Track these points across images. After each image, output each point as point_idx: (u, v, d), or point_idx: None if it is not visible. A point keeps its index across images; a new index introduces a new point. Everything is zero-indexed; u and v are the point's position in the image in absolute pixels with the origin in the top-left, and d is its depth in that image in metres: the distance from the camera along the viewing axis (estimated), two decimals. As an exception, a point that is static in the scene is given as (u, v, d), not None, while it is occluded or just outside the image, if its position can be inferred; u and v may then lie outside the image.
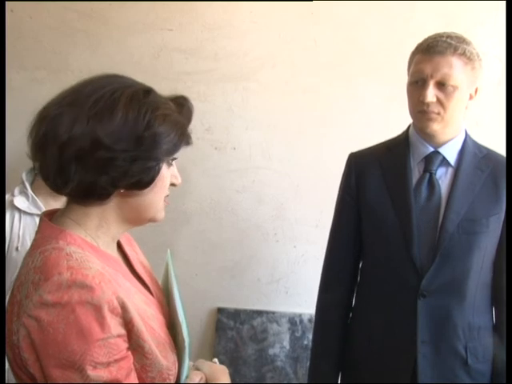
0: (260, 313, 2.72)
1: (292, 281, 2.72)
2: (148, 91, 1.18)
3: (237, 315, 2.72)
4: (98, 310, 1.06)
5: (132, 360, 1.12)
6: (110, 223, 1.20)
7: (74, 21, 2.69)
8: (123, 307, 1.10)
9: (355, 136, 2.55)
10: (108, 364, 1.06)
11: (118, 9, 2.67)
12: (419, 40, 1.82)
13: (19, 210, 2.24)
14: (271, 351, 2.71)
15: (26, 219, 2.25)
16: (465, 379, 1.82)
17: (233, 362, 2.62)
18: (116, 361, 1.08)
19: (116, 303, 1.09)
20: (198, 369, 1.31)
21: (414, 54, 1.82)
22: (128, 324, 1.11)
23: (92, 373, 1.04)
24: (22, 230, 2.23)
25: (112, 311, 1.08)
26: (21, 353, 1.07)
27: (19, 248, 2.21)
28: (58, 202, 2.26)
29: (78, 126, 1.10)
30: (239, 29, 2.67)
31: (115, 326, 1.08)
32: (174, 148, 1.19)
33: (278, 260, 2.73)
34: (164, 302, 1.33)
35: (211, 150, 2.70)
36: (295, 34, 2.65)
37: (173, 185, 1.25)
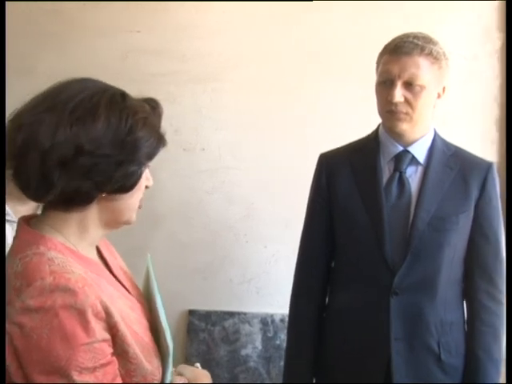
0: (231, 314, 2.72)
1: (263, 281, 2.73)
2: (123, 94, 1.19)
3: (208, 317, 2.71)
4: (81, 314, 1.05)
5: (117, 365, 1.12)
6: (89, 229, 1.19)
7: (41, 23, 2.67)
8: (107, 312, 1.09)
9: (325, 136, 2.57)
10: (94, 369, 1.05)
11: (85, 11, 2.66)
12: (386, 39, 1.84)
13: (-14, 216, 2.20)
14: (243, 352, 2.71)
15: (-7, 225, 2.21)
16: (438, 374, 1.85)
17: (205, 364, 2.54)
18: (102, 366, 1.07)
19: (100, 307, 1.08)
20: (180, 374, 1.31)
21: (381, 54, 1.84)
22: (112, 329, 1.10)
23: (78, 378, 1.03)
24: (-12, 235, 2.19)
25: (96, 315, 1.07)
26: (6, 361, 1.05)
27: (-15, 254, 2.17)
28: (26, 208, 2.23)
29: (60, 132, 1.09)
30: (206, 29, 2.68)
31: (100, 331, 1.07)
32: (154, 151, 1.20)
33: (249, 260, 2.73)
34: (145, 307, 1.32)
35: (180, 152, 2.70)
36: (264, 32, 2.67)
37: (146, 187, 1.25)
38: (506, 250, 1.86)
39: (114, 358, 1.11)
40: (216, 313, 2.72)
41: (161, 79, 2.66)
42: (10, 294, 1.06)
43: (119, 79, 2.74)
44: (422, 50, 1.76)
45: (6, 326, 1.04)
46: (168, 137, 2.88)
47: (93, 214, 1.18)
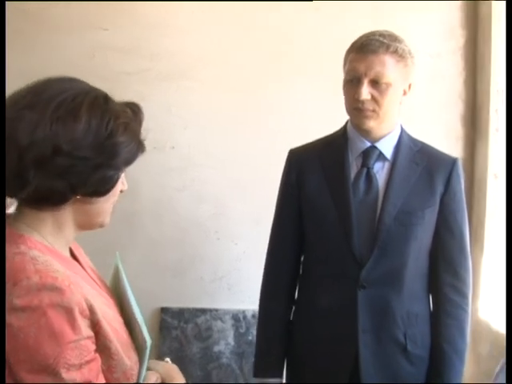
0: (204, 311, 2.73)
1: (234, 278, 2.74)
2: (106, 97, 1.17)
3: (181, 314, 2.72)
4: (69, 312, 1.05)
5: (100, 361, 1.12)
6: (64, 229, 1.19)
7: (8, 21, 2.63)
8: (91, 309, 1.10)
9: (294, 132, 2.58)
10: (80, 366, 1.06)
11: (52, 9, 2.63)
12: (352, 38, 1.86)
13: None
14: (216, 348, 2.72)
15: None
16: (405, 365, 1.88)
17: (178, 362, 2.51)
18: (87, 362, 1.07)
19: (85, 305, 1.08)
20: (151, 369, 1.32)
21: (348, 52, 1.86)
22: (95, 326, 1.11)
23: (66, 375, 1.04)
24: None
25: (81, 313, 1.07)
26: None
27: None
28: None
29: (40, 130, 1.08)
30: (174, 27, 2.67)
31: (85, 328, 1.08)
32: (133, 157, 1.20)
33: (220, 258, 2.74)
34: (117, 304, 1.32)
35: (150, 150, 2.66)
36: (231, 31, 2.68)
37: (120, 191, 1.25)
38: (506, 248, 1.88)
39: (97, 355, 1.12)
40: (188, 310, 2.72)
41: (129, 77, 2.65)
42: None
43: (87, 77, 2.72)
44: (388, 48, 1.78)
45: None
46: (137, 135, 2.86)
47: (67, 214, 1.18)
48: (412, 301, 1.89)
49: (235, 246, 2.74)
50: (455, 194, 1.89)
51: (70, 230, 1.20)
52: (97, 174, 1.12)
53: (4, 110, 1.10)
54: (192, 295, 2.74)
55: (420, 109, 2.64)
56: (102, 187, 1.16)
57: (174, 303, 2.74)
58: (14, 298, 1.03)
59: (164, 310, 2.73)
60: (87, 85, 1.20)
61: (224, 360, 2.72)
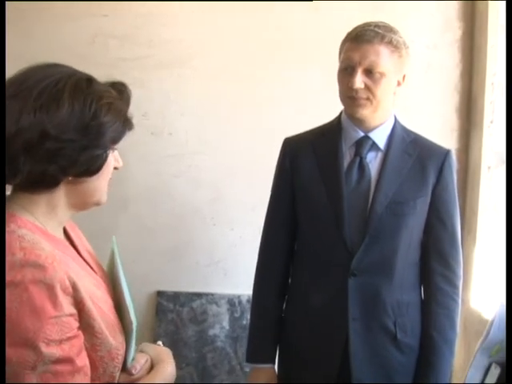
0: (199, 295, 2.76)
1: (230, 263, 2.77)
2: (90, 79, 1.20)
3: (176, 298, 2.75)
4: (50, 288, 1.08)
5: (83, 339, 1.15)
6: (57, 210, 1.22)
7: (7, 8, 2.63)
8: (74, 287, 1.12)
9: (289, 121, 2.59)
10: (60, 341, 1.09)
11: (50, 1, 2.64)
12: (348, 28, 1.87)
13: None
14: (211, 332, 2.76)
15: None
16: (395, 353, 1.90)
17: (174, 344, 2.66)
18: (68, 339, 1.10)
19: (68, 283, 1.11)
20: (142, 351, 1.34)
21: (344, 42, 1.88)
22: (79, 304, 1.14)
23: (45, 350, 1.06)
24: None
25: (64, 290, 1.10)
26: None
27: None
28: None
29: (24, 117, 1.11)
30: (173, 15, 2.68)
31: (67, 305, 1.11)
32: (120, 135, 1.23)
33: (216, 243, 2.77)
34: (110, 286, 1.35)
35: (148, 136, 2.71)
36: (229, 20, 2.69)
37: (115, 168, 1.28)
38: (506, 248, 1.88)
39: (80, 332, 1.15)
40: (184, 294, 2.76)
41: (128, 64, 2.67)
42: None
43: (86, 63, 2.73)
44: (383, 38, 1.79)
45: None
46: (136, 121, 2.89)
47: (61, 196, 1.21)
48: (403, 290, 1.91)
49: (231, 232, 2.77)
50: (447, 185, 1.91)
51: (63, 211, 1.23)
52: (85, 154, 1.16)
53: (4, 110, 1.13)
54: (188, 279, 2.77)
55: (416, 100, 2.65)
56: (92, 166, 1.19)
57: (170, 287, 2.77)
58: None
59: (160, 294, 2.76)
60: (70, 69, 1.22)
61: (219, 343, 2.75)
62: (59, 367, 1.08)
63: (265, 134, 2.68)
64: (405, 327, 1.91)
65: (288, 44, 2.68)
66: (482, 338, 1.31)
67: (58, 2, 2.64)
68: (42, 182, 1.16)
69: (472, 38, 2.68)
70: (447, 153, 1.93)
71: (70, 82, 1.16)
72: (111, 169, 1.26)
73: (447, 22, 2.69)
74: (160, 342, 1.42)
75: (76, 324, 1.13)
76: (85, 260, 1.32)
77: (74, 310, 1.13)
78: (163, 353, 1.36)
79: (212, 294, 2.77)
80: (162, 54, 2.70)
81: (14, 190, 1.22)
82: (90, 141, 1.16)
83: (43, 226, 1.20)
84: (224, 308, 2.76)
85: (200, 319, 2.76)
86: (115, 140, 1.22)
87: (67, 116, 1.13)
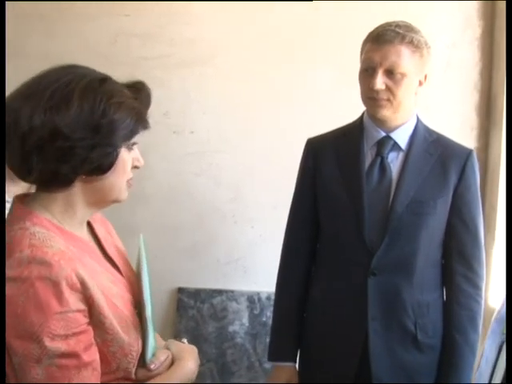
0: (219, 292, 2.79)
1: (250, 261, 2.79)
2: (103, 79, 1.22)
3: (197, 294, 2.78)
4: (56, 285, 1.11)
5: (92, 334, 1.18)
6: (76, 208, 1.25)
7: (31, 7, 2.68)
8: (83, 284, 1.15)
9: (309, 119, 2.62)
10: (66, 336, 1.12)
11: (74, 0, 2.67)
12: (369, 28, 1.88)
13: (-21, 196, 2.26)
14: (231, 328, 2.78)
15: (-15, 204, 2.27)
16: (414, 353, 1.90)
17: (194, 340, 2.64)
18: (74, 334, 1.13)
19: (75, 279, 1.14)
20: (167, 348, 1.36)
21: (364, 42, 1.88)
22: (88, 300, 1.16)
23: (50, 344, 1.10)
24: (-19, 214, 2.25)
25: (71, 287, 1.13)
26: None
27: (-21, 232, 2.24)
28: (18, 188, 2.28)
29: (36, 117, 1.14)
30: (195, 14, 2.70)
31: (74, 301, 1.14)
32: (131, 133, 1.24)
33: (237, 241, 2.79)
34: (135, 283, 1.37)
35: (169, 134, 2.74)
36: (250, 20, 2.70)
37: (136, 167, 1.30)
38: (506, 247, 1.86)
39: (90, 328, 1.17)
40: (205, 291, 2.79)
41: (149, 63, 2.69)
42: None
43: (108, 62, 2.80)
44: (403, 38, 1.78)
45: None
46: (157, 119, 2.95)
47: (77, 194, 1.23)
48: (423, 290, 1.91)
49: (251, 230, 2.79)
50: (470, 185, 1.90)
51: (81, 209, 1.26)
52: (95, 152, 1.18)
53: (4, 110, 1.17)
54: (208, 276, 2.80)
55: (435, 98, 2.65)
56: (103, 164, 1.21)
57: (191, 284, 2.80)
58: (7, 269, 1.11)
59: (181, 290, 2.79)
60: (87, 70, 1.25)
61: (238, 340, 2.78)
62: (64, 361, 1.12)
63: (285, 133, 2.70)
64: (426, 328, 1.90)
65: (310, 43, 2.69)
66: (496, 311, 1.32)
67: (80, 2, 2.68)
68: (55, 181, 1.19)
69: (492, 37, 2.67)
70: (469, 153, 1.92)
71: (82, 83, 1.18)
72: (128, 167, 1.28)
73: (467, 21, 2.68)
74: (185, 340, 1.44)
75: (84, 320, 1.16)
76: (109, 256, 1.35)
77: (82, 306, 1.16)
78: (185, 350, 1.38)
79: (232, 291, 2.79)
80: (184, 53, 2.72)
81: (37, 188, 1.25)
82: (100, 139, 1.18)
83: (60, 223, 1.23)
84: (244, 305, 2.78)
85: (220, 316, 2.78)
86: (127, 138, 1.24)
87: (77, 115, 1.16)
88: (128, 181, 1.29)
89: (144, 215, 2.76)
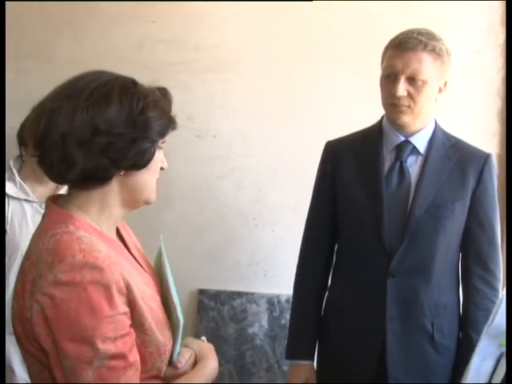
0: (240, 294, 2.81)
1: (270, 263, 2.81)
2: (134, 82, 1.29)
3: (217, 296, 2.81)
4: (107, 289, 1.15)
5: (134, 336, 1.21)
6: (111, 207, 1.29)
7: (59, 12, 2.73)
8: (128, 287, 1.19)
9: (329, 124, 2.63)
10: (115, 339, 1.15)
11: (102, 2, 2.73)
12: (391, 34, 1.90)
13: (8, 196, 2.31)
14: (250, 330, 2.80)
15: (14, 204, 2.33)
16: (431, 353, 1.92)
17: (214, 341, 2.60)
18: (122, 336, 1.17)
19: (122, 283, 1.18)
20: (187, 346, 1.39)
21: (386, 49, 1.90)
22: (131, 303, 1.20)
23: (101, 346, 1.13)
24: (10, 214, 2.31)
25: (119, 291, 1.17)
26: (33, 327, 1.15)
27: (8, 231, 2.30)
28: (45, 188, 2.35)
29: (77, 116, 1.19)
30: (220, 21, 2.74)
31: (121, 305, 1.17)
32: (165, 130, 1.29)
33: (257, 243, 2.81)
34: (158, 284, 1.41)
35: (193, 138, 2.77)
36: (274, 26, 2.73)
37: (161, 169, 1.34)
38: (507, 247, 1.89)
39: (132, 330, 1.21)
40: (225, 292, 2.81)
41: (174, 68, 2.73)
42: (42, 267, 1.16)
43: (134, 67, 2.84)
44: (426, 46, 1.81)
45: (37, 296, 1.14)
46: (181, 123, 2.97)
47: (113, 192, 1.28)
48: (441, 292, 1.93)
49: (272, 233, 2.81)
50: (487, 188, 1.92)
51: (116, 209, 1.30)
52: (134, 147, 1.23)
53: (4, 110, 1.22)
54: (229, 278, 2.82)
55: (458, 104, 2.65)
56: (141, 159, 1.26)
57: (212, 285, 2.83)
58: (59, 273, 1.14)
59: (202, 292, 2.82)
60: (116, 74, 1.30)
61: (257, 342, 2.80)
62: (113, 363, 1.15)
63: (307, 137, 2.71)
64: (442, 328, 1.93)
65: (332, 48, 2.71)
66: (487, 324, 1.31)
67: (107, 8, 2.74)
68: (95, 176, 1.23)
69: (515, 43, 2.66)
70: (487, 157, 1.94)
71: (118, 83, 1.25)
72: (158, 167, 1.33)
73: (490, 27, 2.69)
74: (204, 338, 1.47)
75: (128, 322, 1.20)
76: (135, 258, 1.38)
77: (127, 309, 1.20)
78: (207, 348, 1.41)
79: (252, 294, 2.81)
80: (208, 59, 2.75)
81: (70, 189, 1.29)
82: (138, 134, 1.23)
83: (98, 226, 1.27)
84: (263, 307, 2.80)
85: (240, 318, 2.80)
86: (161, 134, 1.29)
87: (117, 112, 1.21)
88: (156, 180, 1.34)
89: (167, 217, 2.79)
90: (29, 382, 1.34)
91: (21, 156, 2.40)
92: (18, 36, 2.69)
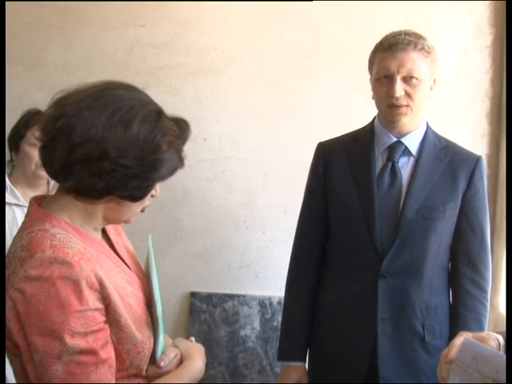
0: (231, 296, 2.82)
1: (261, 265, 2.82)
2: (160, 113, 1.26)
3: (209, 299, 2.81)
4: (76, 284, 1.16)
5: (108, 332, 1.22)
6: (92, 218, 1.29)
7: (49, 17, 2.74)
8: (101, 283, 1.20)
9: (320, 126, 2.64)
10: (85, 334, 1.16)
11: (91, 5, 2.74)
12: (381, 35, 1.91)
13: (-3, 200, 2.31)
14: (242, 333, 2.81)
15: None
16: (422, 354, 1.93)
17: (206, 344, 2.66)
18: (93, 332, 1.18)
19: (94, 279, 1.18)
20: (175, 346, 1.40)
21: (375, 52, 1.91)
22: (105, 299, 1.21)
23: (70, 341, 1.14)
24: (-1, 218, 2.30)
25: (90, 286, 1.17)
26: (7, 322, 1.17)
27: (-2, 235, 2.29)
28: (36, 192, 2.34)
29: (92, 131, 1.17)
30: (209, 25, 2.75)
31: (93, 300, 1.18)
32: (171, 173, 1.29)
33: (248, 246, 2.82)
34: (145, 283, 1.42)
35: (183, 141, 2.77)
36: (263, 29, 2.74)
37: (152, 196, 1.34)
38: (507, 248, 1.90)
39: (106, 326, 1.22)
40: (217, 295, 2.82)
41: (164, 72, 2.74)
42: (16, 263, 1.17)
43: (125, 71, 2.85)
44: (416, 45, 1.83)
45: (10, 292, 1.16)
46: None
47: (99, 207, 1.28)
48: (432, 293, 1.93)
49: (263, 235, 2.82)
50: (478, 191, 1.93)
51: (97, 221, 1.30)
52: (134, 182, 1.22)
53: (4, 110, 1.21)
54: (220, 281, 2.83)
55: (447, 105, 2.68)
56: (136, 195, 1.25)
57: (203, 288, 2.84)
58: (29, 268, 1.15)
59: (193, 295, 2.82)
60: (144, 95, 1.28)
61: (250, 344, 2.80)
62: (83, 358, 1.16)
63: (297, 140, 2.73)
64: (433, 329, 1.93)
65: (321, 50, 2.72)
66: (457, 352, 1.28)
67: (97, 12, 2.74)
68: (87, 193, 1.23)
69: (503, 44, 2.68)
70: (478, 159, 1.95)
71: (142, 112, 1.21)
72: (149, 197, 1.32)
73: (478, 28, 2.70)
74: (192, 338, 1.48)
75: (102, 318, 1.21)
76: (121, 257, 1.39)
77: (100, 305, 1.20)
78: (193, 348, 1.41)
79: (244, 296, 2.82)
80: (197, 62, 2.76)
81: (59, 191, 1.29)
82: (143, 172, 1.21)
83: (77, 225, 1.27)
84: (255, 309, 2.81)
85: (232, 320, 2.81)
86: (164, 177, 1.28)
87: (131, 143, 1.19)
88: (143, 208, 1.34)
89: (158, 219, 2.80)
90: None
91: (11, 161, 2.40)
92: (8, 41, 2.68)
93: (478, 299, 1.93)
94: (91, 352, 1.17)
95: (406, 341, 1.92)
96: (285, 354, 2.10)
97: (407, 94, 1.84)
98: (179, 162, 1.30)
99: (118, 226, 1.48)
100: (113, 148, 1.18)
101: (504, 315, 2.52)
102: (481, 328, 1.92)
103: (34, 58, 2.75)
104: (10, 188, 2.34)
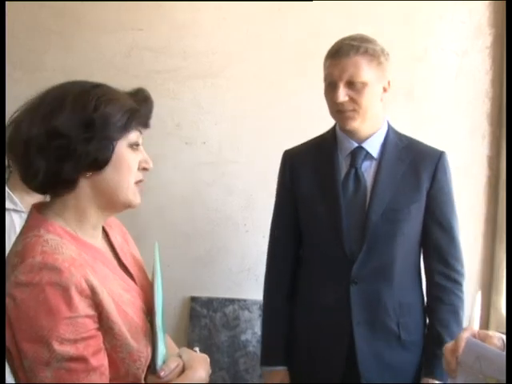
0: (232, 301, 2.80)
1: (261, 269, 2.72)
2: (97, 85, 1.28)
3: (209, 303, 2.80)
4: (65, 290, 1.15)
5: (101, 340, 1.21)
6: (87, 212, 1.28)
7: (48, 21, 2.74)
8: (92, 290, 1.19)
9: (320, 127, 2.62)
10: (75, 341, 1.15)
11: (90, 9, 2.74)
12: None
13: (-5, 206, 2.29)
14: (243, 337, 2.80)
15: (1, 214, 2.31)
16: (399, 351, 1.97)
17: (207, 349, 2.67)
18: (83, 339, 1.16)
19: (85, 285, 1.17)
20: (179, 356, 1.36)
21: (325, 59, 1.95)
22: (98, 306, 1.20)
23: (58, 347, 1.13)
24: (-3, 224, 2.29)
25: (80, 293, 1.16)
26: None
27: (-4, 241, 2.27)
28: (33, 198, 2.32)
29: (35, 123, 1.21)
30: (206, 27, 2.74)
31: (84, 307, 1.17)
32: (125, 127, 1.27)
33: (248, 249, 2.81)
34: (149, 291, 1.39)
35: (182, 145, 2.77)
36: (261, 30, 2.74)
37: (145, 169, 1.33)
38: (507, 248, 1.89)
39: (99, 333, 1.21)
40: (217, 299, 2.81)
41: (162, 75, 2.73)
42: (8, 269, 1.17)
43: (123, 75, 2.84)
44: (358, 49, 1.85)
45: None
46: (170, 131, 2.97)
47: (86, 196, 1.27)
48: (403, 292, 1.97)
49: (263, 239, 2.74)
50: (442, 186, 1.95)
51: (93, 214, 1.29)
52: (91, 145, 1.22)
53: (4, 110, 1.22)
54: (221, 285, 2.82)
55: (447, 106, 2.66)
56: (100, 157, 1.24)
57: (204, 293, 2.82)
58: (20, 274, 1.15)
59: (194, 299, 2.81)
60: (81, 83, 1.30)
61: (250, 348, 2.79)
62: (73, 365, 1.15)
63: (297, 142, 2.67)
64: (408, 326, 1.96)
65: (320, 52, 2.70)
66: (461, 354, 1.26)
67: (95, 16, 2.74)
68: (59, 181, 1.24)
69: (503, 45, 2.67)
70: (440, 155, 1.97)
71: (74, 90, 1.25)
72: (133, 167, 1.30)
73: (478, 29, 2.69)
74: (197, 348, 1.44)
75: (93, 325, 1.19)
76: (123, 264, 1.38)
77: (92, 312, 1.19)
78: (196, 359, 1.37)
79: (244, 300, 2.81)
80: (196, 65, 2.75)
81: (50, 198, 1.30)
82: (94, 133, 1.23)
83: (74, 231, 1.27)
84: (256, 314, 2.79)
85: (232, 324, 2.80)
86: (120, 131, 1.27)
87: (71, 114, 1.21)
88: (137, 183, 1.32)
89: (158, 223, 2.79)
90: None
91: (8, 166, 2.38)
92: (7, 45, 2.68)
93: (452, 292, 1.97)
94: (81, 359, 1.16)
95: (382, 341, 1.96)
96: (266, 360, 2.13)
97: (352, 99, 1.86)
98: (132, 117, 1.28)
99: (125, 233, 1.48)
100: (58, 126, 1.20)
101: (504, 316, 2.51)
102: (457, 320, 1.96)
103: (32, 62, 2.75)
104: (8, 193, 2.32)
